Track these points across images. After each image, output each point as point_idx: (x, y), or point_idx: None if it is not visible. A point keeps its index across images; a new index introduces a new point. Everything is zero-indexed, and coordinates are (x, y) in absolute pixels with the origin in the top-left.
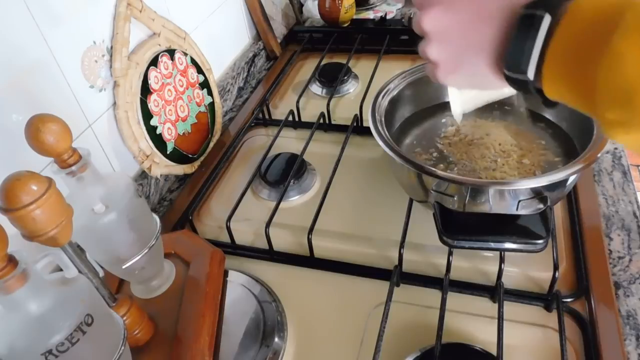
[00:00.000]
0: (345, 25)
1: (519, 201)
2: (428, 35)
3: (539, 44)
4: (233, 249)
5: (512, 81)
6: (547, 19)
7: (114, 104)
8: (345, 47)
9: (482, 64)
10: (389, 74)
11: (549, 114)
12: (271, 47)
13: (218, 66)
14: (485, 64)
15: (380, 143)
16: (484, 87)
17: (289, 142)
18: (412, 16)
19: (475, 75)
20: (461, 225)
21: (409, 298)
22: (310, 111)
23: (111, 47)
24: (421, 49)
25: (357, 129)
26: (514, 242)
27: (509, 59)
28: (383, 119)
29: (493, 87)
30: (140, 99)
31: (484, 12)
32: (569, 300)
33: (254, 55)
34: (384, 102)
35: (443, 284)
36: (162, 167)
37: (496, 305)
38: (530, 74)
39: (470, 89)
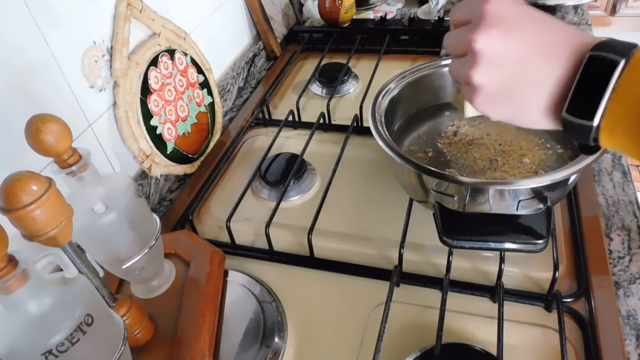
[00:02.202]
0: (345, 25)
1: (519, 201)
2: (478, 56)
3: (609, 90)
4: (233, 249)
5: (569, 126)
6: (621, 65)
7: (114, 104)
8: (345, 47)
9: (535, 101)
10: (389, 74)
11: None
12: (271, 47)
13: (218, 66)
14: (539, 103)
15: (380, 143)
16: (523, 123)
17: (289, 142)
18: (441, 15)
19: (520, 111)
20: (461, 225)
21: (409, 298)
22: (310, 111)
23: (111, 47)
24: (459, 69)
25: (357, 129)
26: (514, 242)
27: (574, 102)
28: (383, 119)
29: (533, 125)
30: (140, 99)
31: (546, 47)
32: (569, 300)
33: (254, 55)
34: (384, 102)
35: (443, 284)
36: (162, 167)
37: (496, 305)
38: (597, 120)
39: (506, 121)
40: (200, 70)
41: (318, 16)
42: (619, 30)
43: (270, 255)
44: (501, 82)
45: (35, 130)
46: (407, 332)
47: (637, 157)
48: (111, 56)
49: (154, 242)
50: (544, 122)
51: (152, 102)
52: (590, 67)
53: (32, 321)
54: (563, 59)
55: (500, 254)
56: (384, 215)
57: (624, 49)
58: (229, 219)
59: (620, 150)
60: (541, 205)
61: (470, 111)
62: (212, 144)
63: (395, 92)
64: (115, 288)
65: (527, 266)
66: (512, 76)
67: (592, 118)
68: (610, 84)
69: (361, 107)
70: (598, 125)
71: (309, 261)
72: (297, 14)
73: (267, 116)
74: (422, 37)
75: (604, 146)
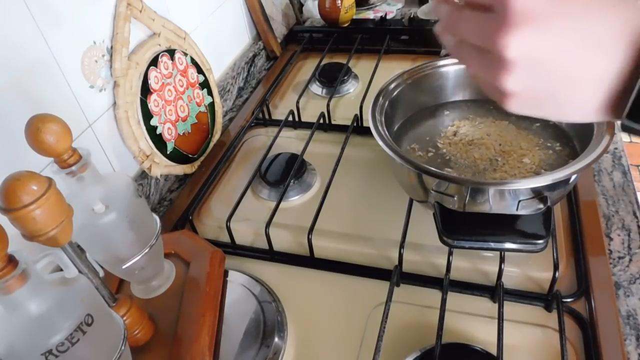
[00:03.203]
0: (345, 25)
1: (519, 201)
2: (511, 64)
3: None
4: (233, 249)
5: (628, 128)
6: None
7: (114, 104)
8: (345, 47)
9: (585, 101)
10: (389, 74)
11: None
12: (271, 47)
13: (218, 66)
14: (590, 102)
15: (380, 143)
16: (567, 120)
17: (289, 142)
18: (435, 27)
19: (565, 110)
20: (461, 225)
21: (409, 298)
22: (310, 111)
23: (111, 47)
24: (482, 67)
25: (357, 129)
26: (514, 242)
27: (636, 108)
28: (383, 119)
29: (580, 121)
30: (140, 99)
31: (595, 39)
32: (569, 300)
33: (254, 55)
34: (384, 102)
35: (443, 284)
36: (162, 167)
37: (496, 305)
38: None
39: (546, 118)
40: (200, 70)
41: (318, 16)
42: None
43: (270, 255)
44: (541, 87)
45: (35, 130)
46: (407, 332)
47: None
48: (111, 56)
49: (154, 242)
50: (595, 118)
51: (152, 102)
52: None
53: (32, 321)
54: (619, 54)
55: (500, 254)
56: (384, 215)
57: None
58: (229, 219)
59: None
60: (541, 205)
61: None
62: (212, 144)
63: (395, 92)
64: (115, 288)
65: (527, 266)
66: (556, 79)
67: None
68: None
69: (361, 107)
70: None
71: (309, 261)
72: (297, 14)
73: (267, 116)
74: (422, 37)
75: None
